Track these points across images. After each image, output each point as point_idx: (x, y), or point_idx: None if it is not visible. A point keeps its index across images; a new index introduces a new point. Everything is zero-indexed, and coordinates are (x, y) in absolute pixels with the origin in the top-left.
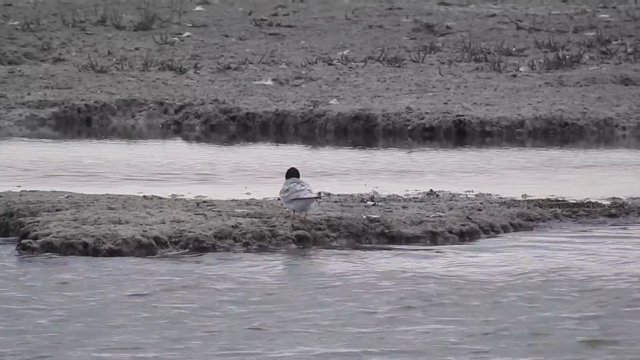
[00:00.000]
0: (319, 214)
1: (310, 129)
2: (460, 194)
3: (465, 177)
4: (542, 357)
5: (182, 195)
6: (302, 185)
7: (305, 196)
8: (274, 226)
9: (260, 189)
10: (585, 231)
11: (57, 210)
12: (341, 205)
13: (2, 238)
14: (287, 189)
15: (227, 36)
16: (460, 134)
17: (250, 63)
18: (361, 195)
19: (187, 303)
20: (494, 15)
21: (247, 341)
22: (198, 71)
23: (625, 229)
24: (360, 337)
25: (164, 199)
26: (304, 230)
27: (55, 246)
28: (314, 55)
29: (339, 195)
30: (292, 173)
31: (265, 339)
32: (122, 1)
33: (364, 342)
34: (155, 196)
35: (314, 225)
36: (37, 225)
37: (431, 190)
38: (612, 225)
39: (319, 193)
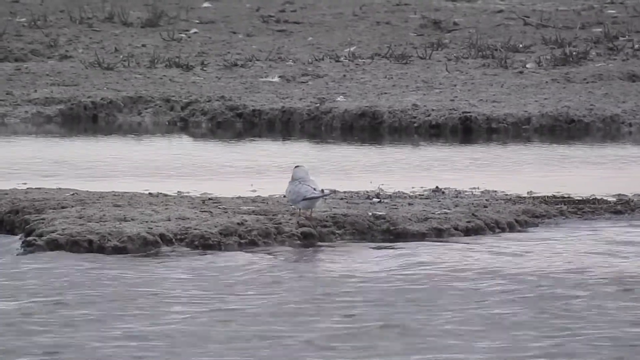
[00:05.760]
0: (325, 211)
1: (316, 126)
2: (466, 191)
3: (471, 173)
4: None
5: (188, 193)
6: (307, 185)
7: (312, 195)
8: (280, 223)
9: (266, 186)
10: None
11: (62, 207)
12: (347, 202)
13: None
14: (291, 191)
15: (234, 33)
16: (466, 130)
17: (257, 60)
18: (367, 192)
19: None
20: (501, 11)
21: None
22: (205, 68)
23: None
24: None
25: (170, 196)
26: (309, 228)
27: (60, 243)
28: (320, 52)
29: (344, 192)
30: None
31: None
32: None
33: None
34: (161, 193)
35: (320, 222)
36: (43, 223)
37: (437, 187)
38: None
39: (322, 190)
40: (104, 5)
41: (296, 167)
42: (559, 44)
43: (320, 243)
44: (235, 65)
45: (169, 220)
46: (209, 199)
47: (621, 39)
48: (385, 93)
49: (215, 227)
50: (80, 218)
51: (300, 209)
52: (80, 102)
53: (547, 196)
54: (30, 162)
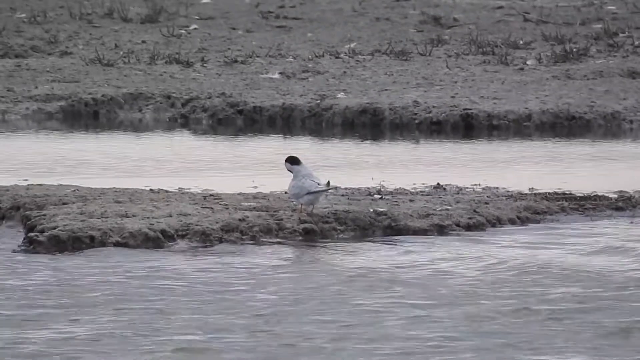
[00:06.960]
0: (326, 207)
1: (317, 123)
2: (467, 188)
3: (472, 170)
4: None
5: (189, 189)
6: (312, 180)
7: (316, 189)
8: (281, 219)
9: (267, 182)
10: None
11: (63, 203)
12: (348, 198)
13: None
14: (295, 186)
15: (234, 29)
16: (467, 127)
17: (257, 56)
18: (368, 188)
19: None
20: (501, 7)
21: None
22: (205, 64)
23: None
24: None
25: (171, 192)
26: (311, 224)
27: (62, 239)
28: (321, 49)
29: (346, 188)
30: (293, 161)
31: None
32: None
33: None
34: (162, 189)
35: (321, 218)
36: (44, 219)
37: (438, 183)
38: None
39: (328, 182)
40: (103, 1)
41: (298, 164)
42: (559, 41)
43: (321, 239)
44: (236, 61)
45: (170, 216)
46: (210, 195)
47: (621, 35)
48: (386, 89)
49: (217, 223)
50: (81, 214)
51: (301, 205)
52: (81, 99)
53: (549, 193)
54: (32, 158)
